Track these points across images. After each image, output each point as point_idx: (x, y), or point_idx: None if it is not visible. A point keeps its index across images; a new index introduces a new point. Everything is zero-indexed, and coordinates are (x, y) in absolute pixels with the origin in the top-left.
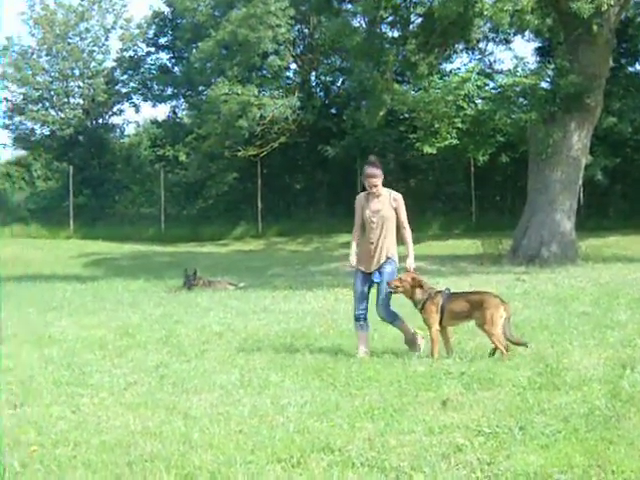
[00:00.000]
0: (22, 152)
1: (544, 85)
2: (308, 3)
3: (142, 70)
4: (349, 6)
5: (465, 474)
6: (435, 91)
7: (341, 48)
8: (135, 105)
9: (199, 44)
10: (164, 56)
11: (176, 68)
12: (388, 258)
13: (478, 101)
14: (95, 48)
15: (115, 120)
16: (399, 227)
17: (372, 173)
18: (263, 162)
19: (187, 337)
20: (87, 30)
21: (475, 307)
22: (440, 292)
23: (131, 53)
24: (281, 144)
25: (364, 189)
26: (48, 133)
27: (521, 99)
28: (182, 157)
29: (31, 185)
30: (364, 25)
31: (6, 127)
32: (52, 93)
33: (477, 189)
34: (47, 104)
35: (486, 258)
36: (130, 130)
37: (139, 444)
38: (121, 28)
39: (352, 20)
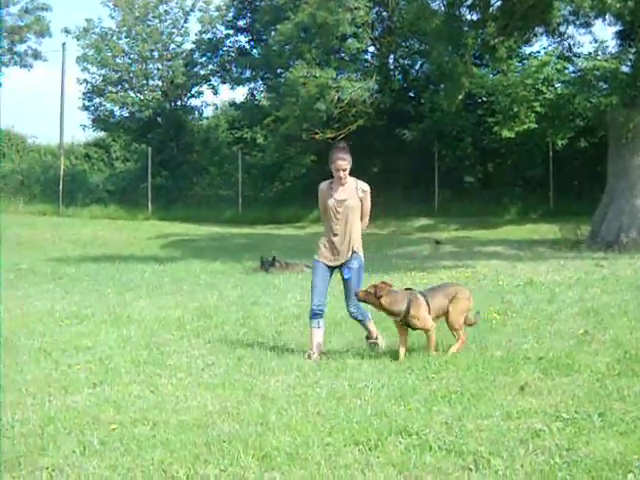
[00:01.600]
0: (101, 133)
1: (625, 69)
2: None
3: (221, 52)
4: None
5: (544, 459)
6: (514, 75)
7: (420, 31)
8: (213, 87)
9: (278, 26)
10: (243, 38)
11: (255, 50)
12: (354, 252)
13: (557, 85)
14: (174, 30)
15: (193, 102)
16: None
17: (342, 157)
18: None
19: (264, 318)
20: (166, 12)
21: (450, 300)
22: (416, 291)
23: (210, 35)
24: (358, 127)
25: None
26: (127, 115)
27: (601, 83)
28: (260, 139)
29: (110, 166)
30: (443, 8)
31: (86, 108)
32: (131, 75)
33: (555, 174)
34: (126, 86)
35: (564, 243)
36: (208, 112)
37: (217, 424)
38: (200, 10)
39: (431, 3)
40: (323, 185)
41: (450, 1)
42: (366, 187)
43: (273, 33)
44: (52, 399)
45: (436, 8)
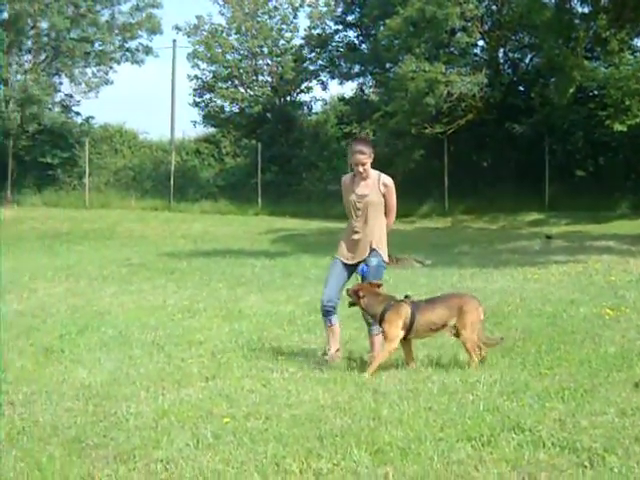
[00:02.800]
0: (211, 129)
1: None
2: None
3: (330, 48)
4: None
5: None
6: (626, 67)
7: (530, 24)
8: (322, 83)
9: (387, 21)
10: (352, 34)
11: (363, 45)
12: (373, 249)
13: None
14: (284, 26)
15: (303, 98)
16: (385, 214)
17: (360, 150)
18: (450, 139)
19: None
20: (276, 8)
21: (454, 313)
22: (405, 302)
23: (319, 31)
24: (468, 121)
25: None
26: (237, 110)
27: None
28: (369, 134)
29: (220, 162)
30: (553, 1)
31: (196, 105)
32: (241, 71)
33: None
34: (236, 82)
35: None
36: (317, 107)
37: (329, 419)
38: (309, 6)
39: None
40: (346, 178)
41: None
42: (389, 181)
43: (382, 28)
44: (166, 392)
45: (546, 1)
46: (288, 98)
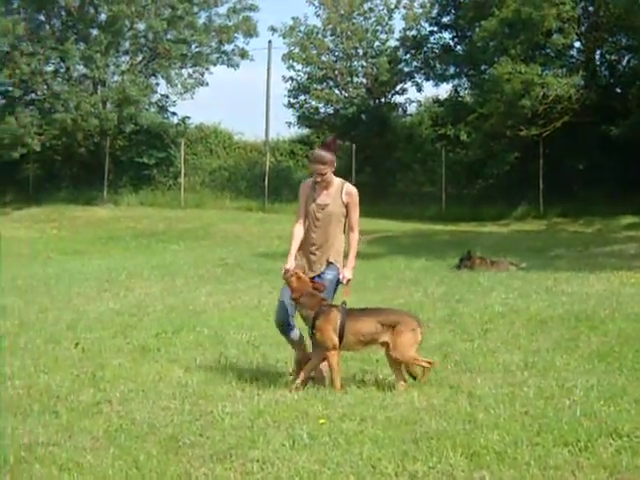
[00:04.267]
0: (306, 130)
1: None
2: None
3: (425, 49)
4: None
5: None
6: None
7: (627, 25)
8: (417, 84)
9: (482, 22)
10: (447, 35)
11: (459, 47)
12: (330, 263)
13: None
14: (379, 27)
15: (397, 99)
16: (347, 228)
17: (320, 158)
18: (545, 142)
19: (470, 316)
20: (371, 10)
21: (386, 329)
22: (336, 307)
23: (414, 32)
24: (564, 124)
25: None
26: (332, 112)
27: None
28: (463, 136)
29: None
30: None
31: (291, 106)
32: (336, 72)
33: None
34: (331, 83)
35: None
36: (412, 109)
37: (424, 421)
38: (404, 7)
39: None
40: (306, 183)
41: None
42: (352, 190)
43: (477, 29)
44: (261, 393)
45: None
46: (383, 100)
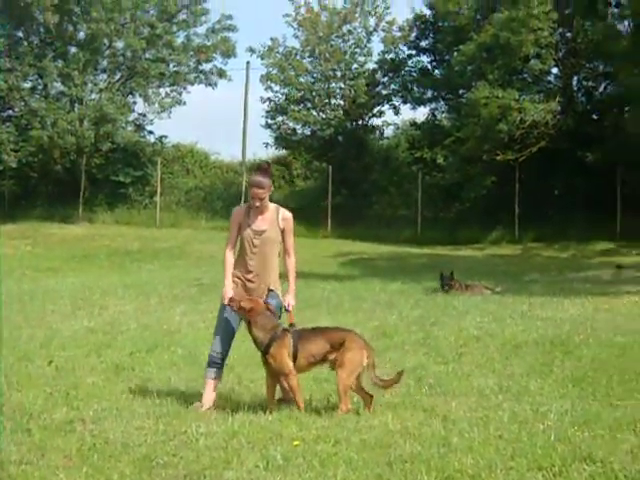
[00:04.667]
0: (283, 151)
1: None
2: (572, 6)
3: (403, 72)
4: (615, 9)
5: None
6: None
7: (605, 52)
8: (395, 107)
9: (460, 47)
10: (425, 59)
11: (437, 71)
12: (270, 290)
13: None
14: (357, 50)
15: (375, 121)
16: (284, 253)
17: (258, 183)
18: (521, 166)
19: (444, 340)
20: (350, 32)
21: (335, 347)
22: (287, 330)
23: (392, 55)
24: (540, 148)
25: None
26: (309, 133)
27: None
28: (440, 159)
29: (290, 184)
30: (630, 29)
31: (268, 126)
32: (314, 94)
33: None
34: (309, 104)
35: None
36: (389, 132)
37: (398, 444)
38: (383, 30)
39: (618, 24)
40: (239, 209)
41: (638, 23)
42: (288, 215)
43: (455, 53)
44: (235, 413)
45: (623, 29)
46: (360, 122)
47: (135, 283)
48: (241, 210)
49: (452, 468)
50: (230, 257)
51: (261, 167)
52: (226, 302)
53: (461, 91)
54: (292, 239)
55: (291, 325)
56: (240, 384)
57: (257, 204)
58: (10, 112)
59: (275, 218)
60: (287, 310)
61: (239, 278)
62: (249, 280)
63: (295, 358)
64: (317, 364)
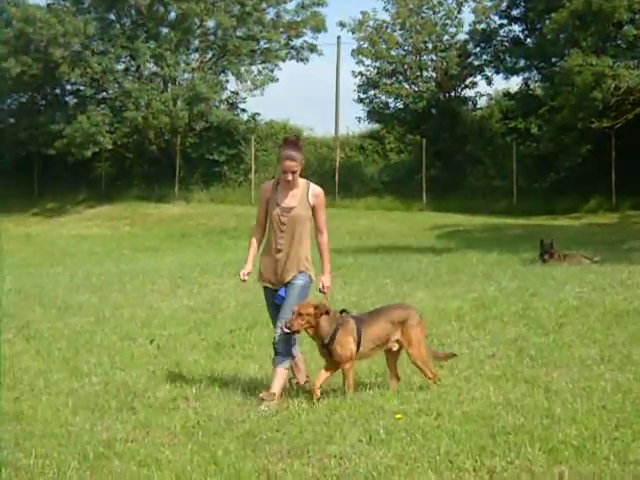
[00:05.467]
0: (376, 125)
1: None
2: None
3: (494, 42)
4: None
5: None
6: None
7: None
8: (487, 77)
9: (552, 15)
10: (517, 28)
11: (529, 40)
12: (301, 272)
13: None
14: (448, 21)
15: (467, 93)
16: (315, 231)
17: (290, 155)
18: (617, 134)
19: (544, 310)
20: (440, 3)
21: (396, 327)
22: (350, 316)
23: (484, 25)
24: (636, 115)
25: None
26: (401, 106)
27: None
28: (534, 129)
29: (384, 158)
30: None
31: (360, 101)
32: (405, 67)
33: None
34: (401, 77)
35: None
36: (482, 103)
37: (501, 416)
38: (474, 1)
39: None
40: (267, 186)
41: None
42: (319, 191)
43: (547, 22)
44: (336, 388)
45: None
46: (453, 93)
47: (232, 261)
48: (269, 186)
49: (556, 439)
50: (256, 236)
51: (290, 140)
52: (242, 277)
53: (554, 59)
54: (324, 216)
55: (342, 311)
56: None
57: (289, 178)
58: (104, 94)
59: (305, 194)
60: (322, 292)
61: (267, 258)
62: (278, 260)
63: (359, 344)
64: (381, 347)
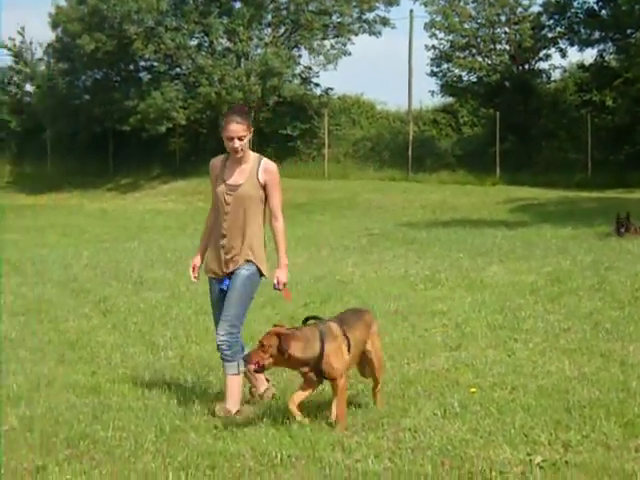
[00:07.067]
0: (449, 99)
1: None
2: None
3: (568, 14)
4: None
5: None
6: None
7: None
8: (561, 50)
9: None
10: None
11: (603, 11)
12: (247, 261)
13: None
14: None
15: (541, 65)
16: (270, 216)
17: (233, 119)
18: None
19: (620, 284)
20: None
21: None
22: (330, 320)
23: None
24: None
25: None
26: (475, 80)
27: None
28: (609, 102)
29: (457, 131)
30: None
31: (434, 74)
32: (479, 40)
33: None
34: (474, 51)
35: None
36: (556, 75)
37: (576, 390)
38: None
39: None
40: (216, 161)
41: None
42: (271, 166)
43: None
44: (410, 362)
45: None
46: (526, 66)
47: (306, 235)
48: (218, 162)
49: (632, 413)
50: (209, 222)
51: (234, 107)
52: (191, 277)
53: (629, 31)
54: (278, 197)
55: (307, 319)
56: (414, 333)
57: (236, 145)
58: (178, 70)
59: (255, 170)
60: (277, 289)
61: (213, 245)
62: (222, 247)
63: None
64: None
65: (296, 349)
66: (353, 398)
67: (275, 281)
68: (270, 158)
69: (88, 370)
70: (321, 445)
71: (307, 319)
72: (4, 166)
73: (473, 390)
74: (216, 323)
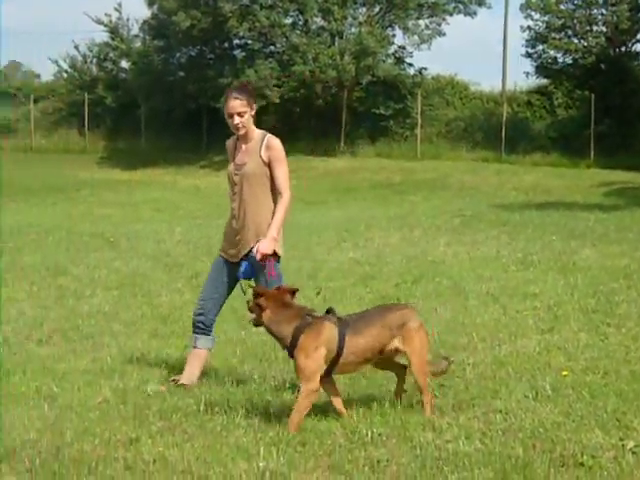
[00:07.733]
0: (543, 80)
1: None
2: None
3: None
4: None
5: None
6: None
7: None
8: None
9: None
10: None
11: None
12: (259, 240)
13: None
14: None
15: (638, 48)
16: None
17: (233, 95)
18: None
19: None
20: None
21: (394, 332)
22: (326, 317)
23: None
24: None
25: None
26: (570, 61)
27: None
28: None
29: (552, 113)
30: None
31: (529, 55)
32: (575, 21)
33: None
34: (570, 32)
35: None
36: None
37: None
38: None
39: None
40: (230, 141)
41: None
42: (274, 143)
43: None
44: (502, 343)
45: None
46: (623, 48)
47: (398, 215)
48: (231, 142)
49: None
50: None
51: (235, 85)
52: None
53: None
54: (283, 173)
55: (329, 311)
56: (505, 314)
57: (236, 121)
58: (272, 48)
59: (258, 147)
60: (259, 261)
61: (227, 226)
62: (233, 228)
63: (337, 357)
64: (372, 360)
65: (272, 315)
66: (444, 380)
67: (254, 250)
68: (362, 137)
69: (180, 344)
70: (412, 425)
71: (328, 311)
72: (99, 142)
73: (565, 373)
74: (205, 298)
